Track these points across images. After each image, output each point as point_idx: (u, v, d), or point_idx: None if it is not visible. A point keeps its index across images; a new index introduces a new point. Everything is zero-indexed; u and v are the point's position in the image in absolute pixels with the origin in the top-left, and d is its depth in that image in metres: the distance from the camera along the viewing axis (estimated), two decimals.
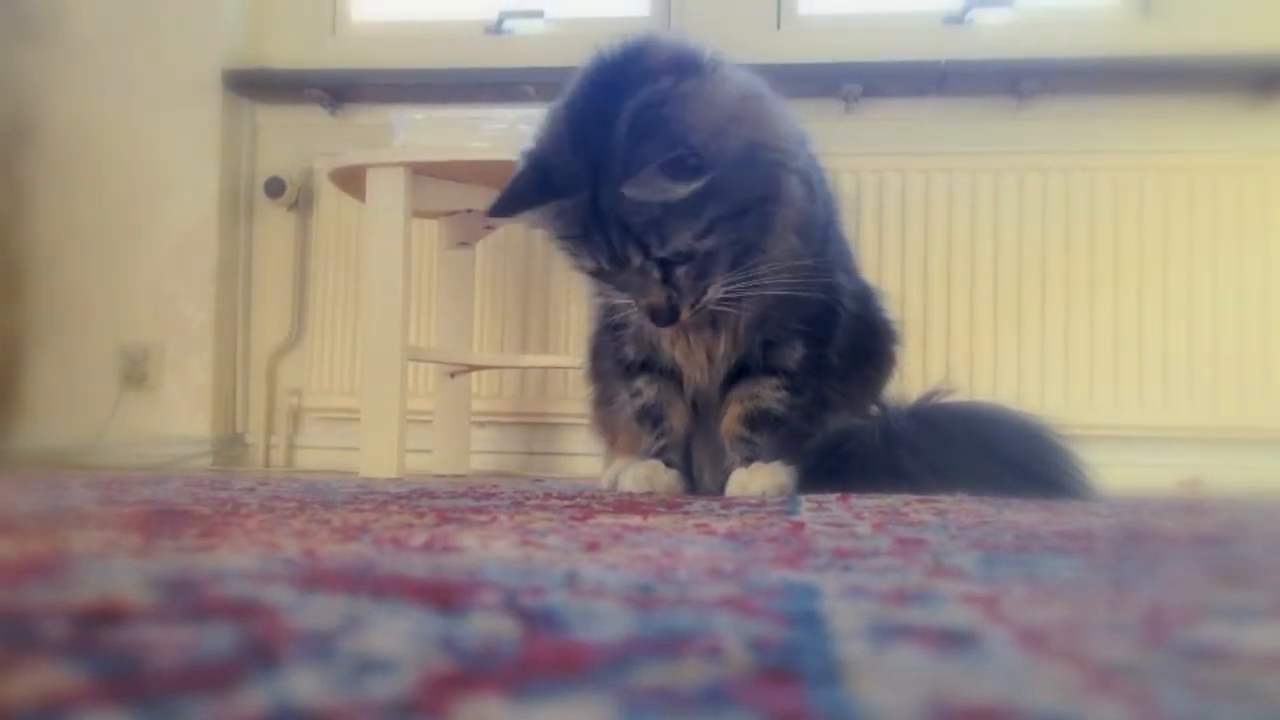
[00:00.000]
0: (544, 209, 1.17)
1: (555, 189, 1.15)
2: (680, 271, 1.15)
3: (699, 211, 1.12)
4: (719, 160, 1.12)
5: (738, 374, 1.32)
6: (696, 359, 1.32)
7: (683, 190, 1.11)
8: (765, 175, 1.18)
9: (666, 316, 1.17)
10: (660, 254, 1.13)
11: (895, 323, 1.47)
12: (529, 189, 1.17)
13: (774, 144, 1.19)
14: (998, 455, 1.24)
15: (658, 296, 1.16)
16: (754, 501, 1.14)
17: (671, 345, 1.31)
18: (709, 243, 1.14)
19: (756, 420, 1.30)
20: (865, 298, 1.44)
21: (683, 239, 1.13)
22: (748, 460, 1.29)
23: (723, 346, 1.30)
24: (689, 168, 1.10)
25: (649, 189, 1.10)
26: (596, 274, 1.20)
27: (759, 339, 1.30)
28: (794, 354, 1.31)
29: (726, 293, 1.18)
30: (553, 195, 1.15)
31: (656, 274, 1.15)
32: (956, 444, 1.26)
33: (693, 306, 1.17)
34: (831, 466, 1.27)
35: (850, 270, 1.41)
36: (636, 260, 1.14)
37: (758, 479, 1.24)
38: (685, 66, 1.16)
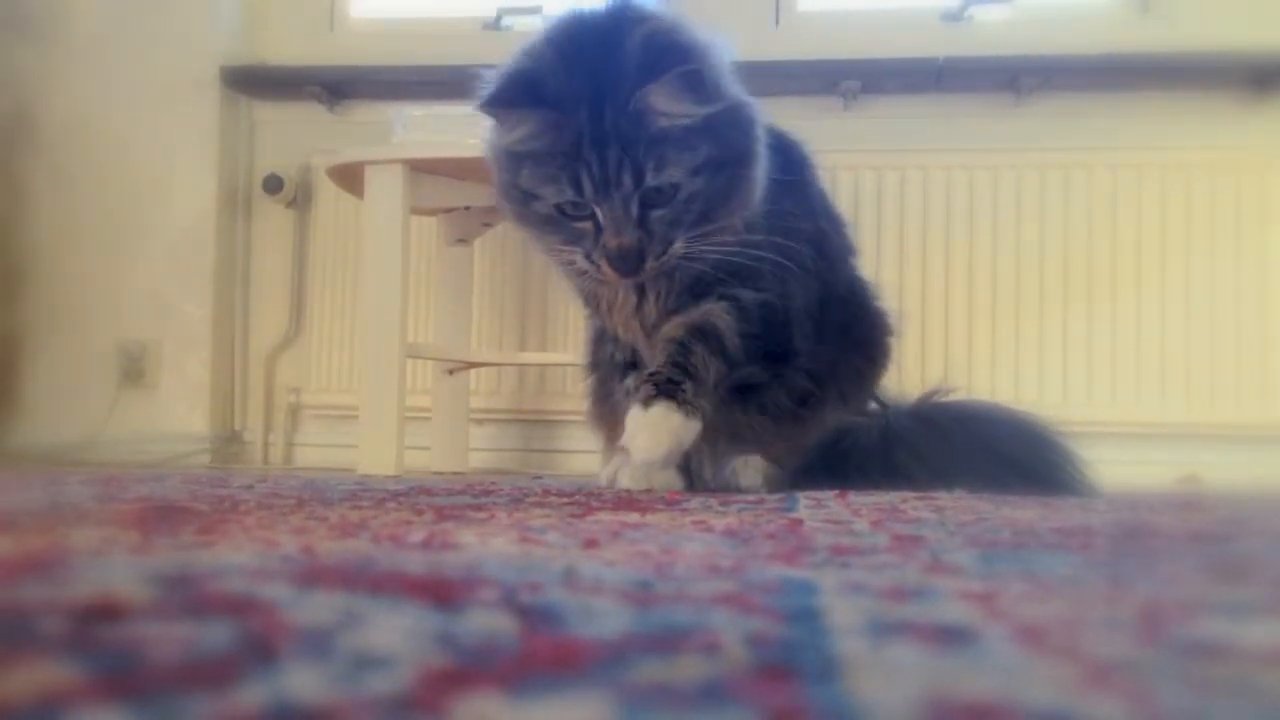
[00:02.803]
0: (539, 118, 1.12)
1: (549, 100, 1.11)
2: (656, 215, 1.12)
3: (696, 146, 1.11)
4: (724, 99, 1.13)
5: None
6: (632, 328, 1.29)
7: (698, 111, 1.10)
8: (748, 136, 1.17)
9: (634, 261, 1.12)
10: (653, 182, 1.10)
11: (890, 314, 1.46)
12: (523, 92, 1.12)
13: (754, 113, 1.19)
14: (995, 452, 1.24)
15: (631, 237, 1.11)
16: (752, 498, 1.14)
17: (609, 310, 1.29)
18: (696, 184, 1.11)
19: (702, 332, 1.21)
20: (857, 287, 1.44)
21: (677, 170, 1.10)
22: (670, 384, 1.16)
23: (654, 315, 1.26)
24: (705, 91, 1.10)
25: (668, 98, 1.09)
26: (567, 207, 1.13)
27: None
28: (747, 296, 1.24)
29: (687, 252, 1.14)
30: (547, 106, 1.11)
31: (635, 211, 1.11)
32: (954, 441, 1.26)
33: (658, 258, 1.13)
34: (830, 463, 1.27)
35: (835, 237, 1.41)
36: (627, 185, 1.10)
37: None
38: (675, 18, 1.17)
